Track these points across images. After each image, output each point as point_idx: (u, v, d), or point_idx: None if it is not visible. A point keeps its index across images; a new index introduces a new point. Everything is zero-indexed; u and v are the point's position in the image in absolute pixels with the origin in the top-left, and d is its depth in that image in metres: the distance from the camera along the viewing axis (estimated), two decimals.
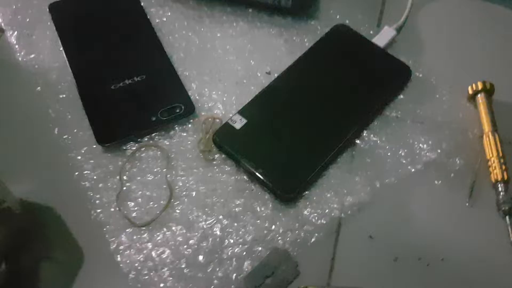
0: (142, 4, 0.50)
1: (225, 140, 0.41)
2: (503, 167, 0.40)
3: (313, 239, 0.38)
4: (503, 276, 0.37)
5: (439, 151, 0.42)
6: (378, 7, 0.51)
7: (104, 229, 0.38)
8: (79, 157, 0.41)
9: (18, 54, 0.47)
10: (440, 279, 0.37)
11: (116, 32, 0.48)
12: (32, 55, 0.47)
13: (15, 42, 0.48)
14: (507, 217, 0.38)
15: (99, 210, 0.39)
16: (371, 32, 0.49)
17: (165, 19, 0.50)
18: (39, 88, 0.45)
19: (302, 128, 0.42)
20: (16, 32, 0.49)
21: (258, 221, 0.39)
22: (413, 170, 0.41)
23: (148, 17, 0.49)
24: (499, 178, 0.40)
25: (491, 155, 0.41)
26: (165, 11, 0.50)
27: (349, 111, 0.43)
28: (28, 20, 0.50)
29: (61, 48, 0.47)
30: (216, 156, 0.42)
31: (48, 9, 0.49)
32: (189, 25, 0.49)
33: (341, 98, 0.44)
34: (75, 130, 0.42)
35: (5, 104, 0.45)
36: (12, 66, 0.47)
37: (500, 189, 0.39)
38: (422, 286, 0.37)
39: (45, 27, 0.49)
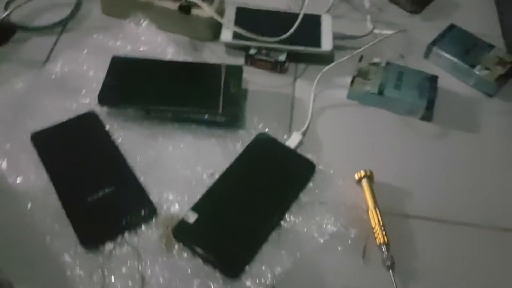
0: (106, 128, 0.64)
1: (181, 234, 0.55)
2: (384, 232, 0.56)
3: None
4: None
5: (338, 224, 0.57)
6: (288, 116, 0.68)
7: None
8: (68, 259, 0.53)
9: (8, 179, 0.59)
10: None
11: (87, 153, 0.62)
12: (20, 179, 0.59)
13: (5, 168, 0.60)
14: (390, 271, 0.54)
15: None
16: (284, 136, 0.65)
17: (126, 139, 0.64)
18: (29, 204, 0.57)
19: (240, 218, 0.57)
20: (5, 161, 0.61)
21: None
22: (322, 241, 0.56)
23: (113, 138, 0.63)
24: (382, 241, 0.55)
25: (375, 224, 0.57)
26: (126, 133, 0.64)
27: (272, 201, 0.58)
28: (10, 148, 0.62)
29: (45, 171, 0.59)
30: (176, 246, 0.55)
31: (30, 138, 0.62)
32: (146, 142, 0.64)
33: (266, 192, 0.59)
34: (63, 238, 0.54)
35: (3, 222, 0.56)
36: (3, 189, 0.58)
37: (383, 249, 0.55)
38: None
39: (29, 153, 0.61)
